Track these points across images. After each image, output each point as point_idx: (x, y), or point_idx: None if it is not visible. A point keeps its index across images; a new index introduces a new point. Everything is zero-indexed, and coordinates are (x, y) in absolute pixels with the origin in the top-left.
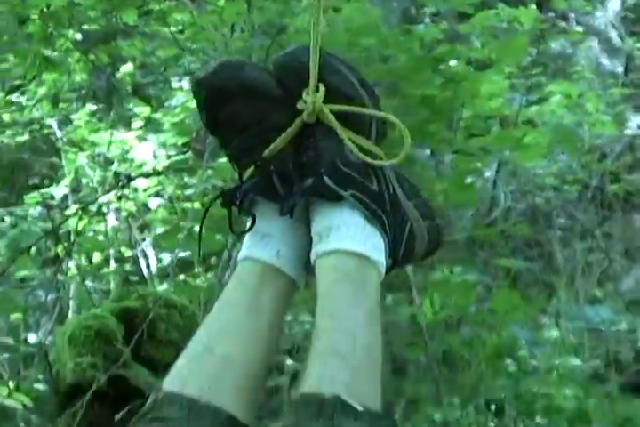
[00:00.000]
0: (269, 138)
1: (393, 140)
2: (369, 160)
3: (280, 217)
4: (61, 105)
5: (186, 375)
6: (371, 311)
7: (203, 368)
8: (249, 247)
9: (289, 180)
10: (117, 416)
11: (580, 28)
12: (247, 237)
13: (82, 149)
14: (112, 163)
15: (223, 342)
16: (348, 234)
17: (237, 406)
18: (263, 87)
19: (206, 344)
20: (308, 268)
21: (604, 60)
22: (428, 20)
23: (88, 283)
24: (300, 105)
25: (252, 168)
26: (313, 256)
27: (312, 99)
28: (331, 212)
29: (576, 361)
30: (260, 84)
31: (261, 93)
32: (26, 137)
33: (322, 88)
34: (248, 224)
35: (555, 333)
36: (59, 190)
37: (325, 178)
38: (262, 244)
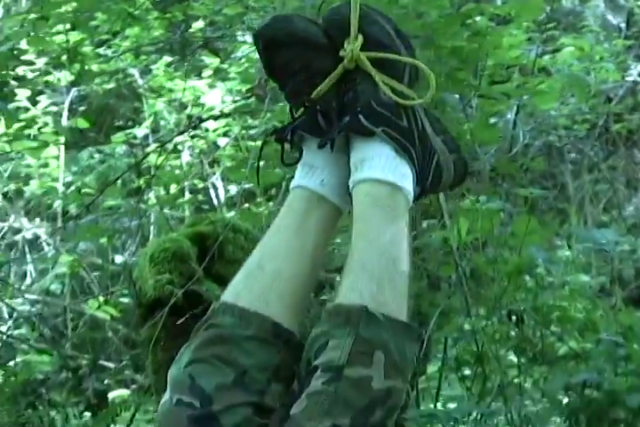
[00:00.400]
0: (316, 82)
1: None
2: (400, 100)
3: (325, 151)
4: (142, 57)
5: (240, 289)
6: (399, 232)
7: (254, 283)
8: (298, 177)
9: (332, 118)
10: (179, 321)
11: None
12: (298, 168)
13: (160, 95)
14: (186, 107)
15: (273, 261)
16: (379, 164)
17: (282, 315)
18: (311, 37)
19: (259, 262)
20: (350, 195)
21: (609, 16)
22: None
23: (166, 211)
24: (341, 52)
25: (301, 108)
26: (350, 184)
27: (351, 47)
28: (365, 146)
29: (585, 278)
30: (308, 35)
31: (309, 43)
32: (112, 85)
33: (360, 37)
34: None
35: (567, 253)
36: (141, 131)
37: (360, 116)
38: (309, 174)
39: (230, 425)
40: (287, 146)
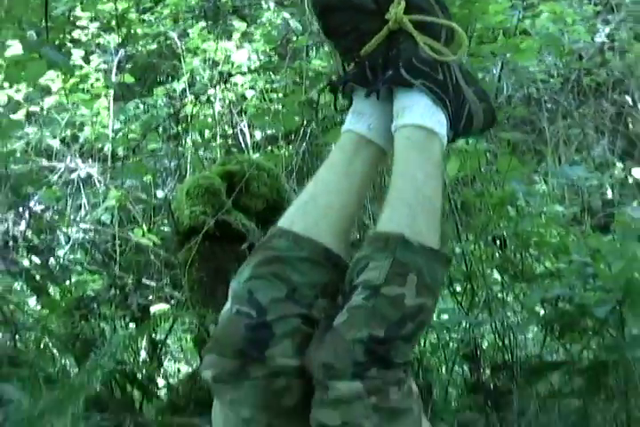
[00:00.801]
0: (365, 41)
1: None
2: (437, 57)
3: (372, 100)
4: (180, 22)
5: (294, 217)
6: (434, 171)
7: (308, 214)
8: (348, 123)
9: (377, 72)
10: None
11: None
12: (348, 115)
13: (196, 55)
14: (218, 64)
15: (325, 195)
16: (418, 112)
17: (332, 242)
18: (361, 3)
19: (312, 195)
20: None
21: None
22: None
23: (200, 153)
24: (387, 16)
25: (352, 63)
26: (392, 129)
27: (395, 10)
28: (406, 96)
29: (559, 208)
30: (359, 1)
31: (359, 7)
32: (154, 46)
33: (403, 2)
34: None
35: (543, 187)
36: (179, 85)
37: (402, 70)
38: (357, 119)
39: (282, 333)
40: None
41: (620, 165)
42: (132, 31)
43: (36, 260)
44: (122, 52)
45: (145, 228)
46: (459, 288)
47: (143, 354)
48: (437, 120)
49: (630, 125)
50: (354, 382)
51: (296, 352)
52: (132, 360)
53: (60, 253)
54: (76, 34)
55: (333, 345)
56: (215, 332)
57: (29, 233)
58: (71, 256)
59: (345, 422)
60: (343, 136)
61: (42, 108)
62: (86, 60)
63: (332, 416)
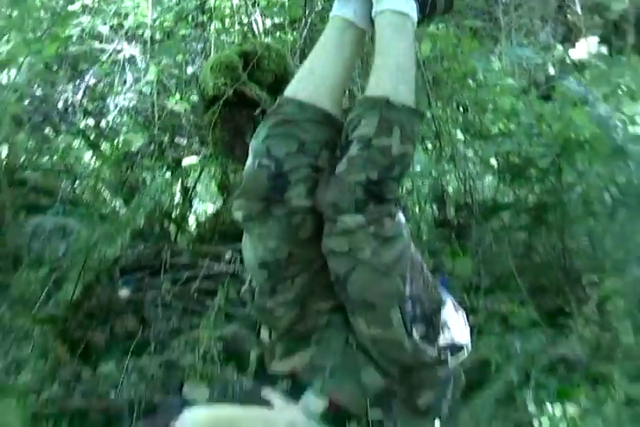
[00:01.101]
0: None
1: None
2: None
3: None
4: None
5: (297, 87)
6: (408, 46)
7: (308, 83)
8: (336, 9)
9: None
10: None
11: None
12: (335, 2)
13: None
14: None
15: (321, 67)
16: None
17: (330, 106)
18: None
19: (310, 68)
20: (372, 22)
21: None
22: None
23: (222, 37)
24: None
25: None
26: (373, 14)
27: None
28: None
29: (511, 81)
30: None
31: None
32: None
33: None
34: None
35: (498, 64)
36: None
37: None
38: (344, 5)
39: (296, 180)
40: None
41: (560, 47)
42: None
43: (91, 122)
44: None
45: (178, 97)
46: (429, 145)
47: (177, 197)
48: (410, 6)
49: (568, 16)
50: (357, 216)
51: (308, 194)
52: (168, 202)
53: (110, 117)
54: None
55: (338, 187)
56: (242, 182)
57: (85, 101)
58: (118, 119)
59: (351, 248)
60: (332, 20)
61: (93, 1)
62: None
63: (341, 244)
